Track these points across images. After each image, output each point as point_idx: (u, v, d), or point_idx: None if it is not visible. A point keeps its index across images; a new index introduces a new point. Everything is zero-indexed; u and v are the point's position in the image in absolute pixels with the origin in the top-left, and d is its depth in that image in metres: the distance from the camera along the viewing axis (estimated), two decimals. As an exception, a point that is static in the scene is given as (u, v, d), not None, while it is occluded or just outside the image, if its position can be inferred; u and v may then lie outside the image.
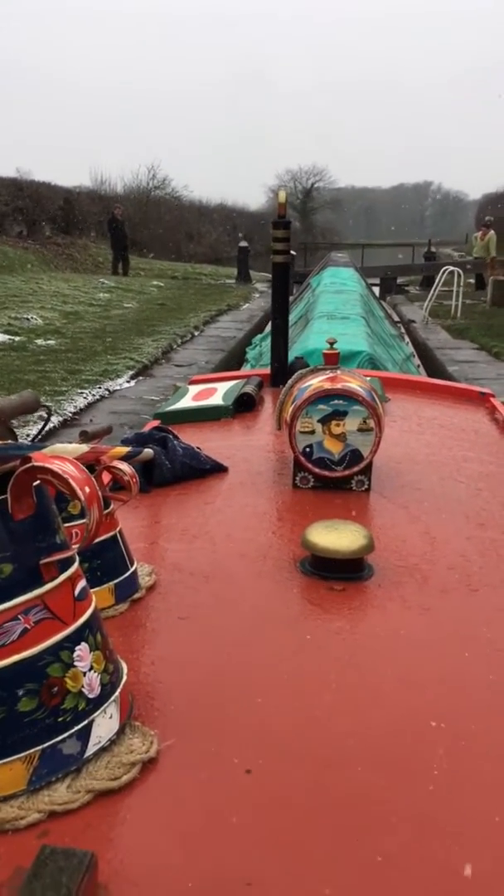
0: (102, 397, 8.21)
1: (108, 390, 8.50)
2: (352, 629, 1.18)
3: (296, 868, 0.73)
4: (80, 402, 7.83)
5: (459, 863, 0.75)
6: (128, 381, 9.06)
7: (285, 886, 0.71)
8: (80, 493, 0.84)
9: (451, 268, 15.42)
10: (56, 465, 0.84)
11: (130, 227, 25.00)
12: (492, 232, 18.96)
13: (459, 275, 14.86)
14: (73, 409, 7.52)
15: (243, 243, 23.59)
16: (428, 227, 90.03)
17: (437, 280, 15.21)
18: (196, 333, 13.02)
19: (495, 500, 1.78)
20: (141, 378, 9.36)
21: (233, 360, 10.64)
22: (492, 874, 0.73)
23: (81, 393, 8.14)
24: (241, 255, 23.37)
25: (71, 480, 0.84)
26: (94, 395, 8.15)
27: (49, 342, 10.95)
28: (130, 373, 9.36)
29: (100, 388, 8.47)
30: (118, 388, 8.72)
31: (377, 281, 19.48)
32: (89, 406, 7.80)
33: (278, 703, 0.99)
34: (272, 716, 0.96)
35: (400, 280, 21.97)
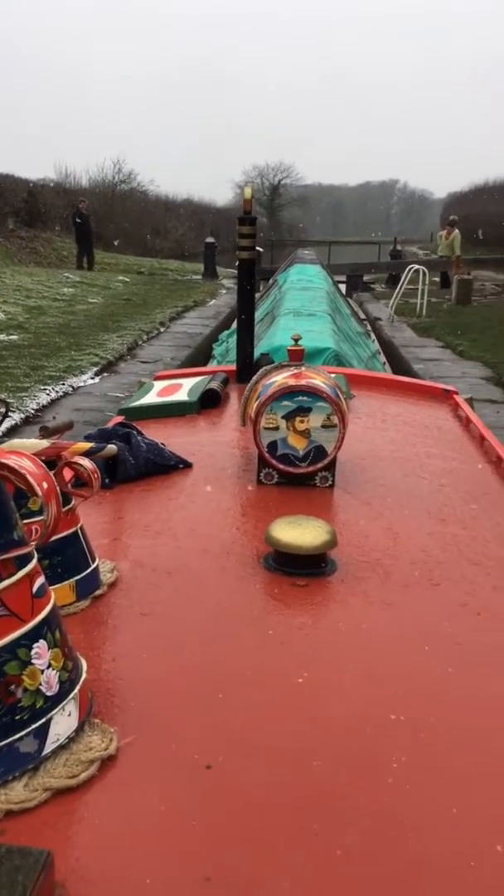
0: (66, 394, 8.08)
1: (72, 387, 8.36)
2: (314, 624, 1.19)
3: (255, 863, 0.73)
4: (43, 398, 7.68)
5: (418, 855, 0.75)
6: (92, 378, 8.92)
7: (244, 881, 0.71)
8: (37, 488, 0.83)
9: (417, 266, 15.52)
10: (13, 461, 0.83)
11: (96, 221, 24.74)
12: (456, 231, 19.19)
13: (425, 273, 14.96)
14: (35, 406, 7.36)
15: (210, 239, 23.52)
16: (394, 224, 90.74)
17: (402, 278, 15.33)
18: (162, 329, 12.90)
19: (457, 495, 1.81)
20: (105, 375, 9.24)
21: (199, 356, 10.58)
22: (450, 866, 0.75)
23: (44, 389, 7.98)
24: (208, 250, 23.30)
25: (28, 476, 0.83)
26: (57, 392, 8.00)
27: (11, 337, 10.76)
28: (95, 369, 9.22)
29: (63, 384, 8.33)
30: (82, 384, 8.58)
31: (343, 278, 19.58)
32: (52, 403, 7.66)
33: (240, 698, 0.99)
34: (233, 711, 0.96)
35: (366, 278, 22.12)
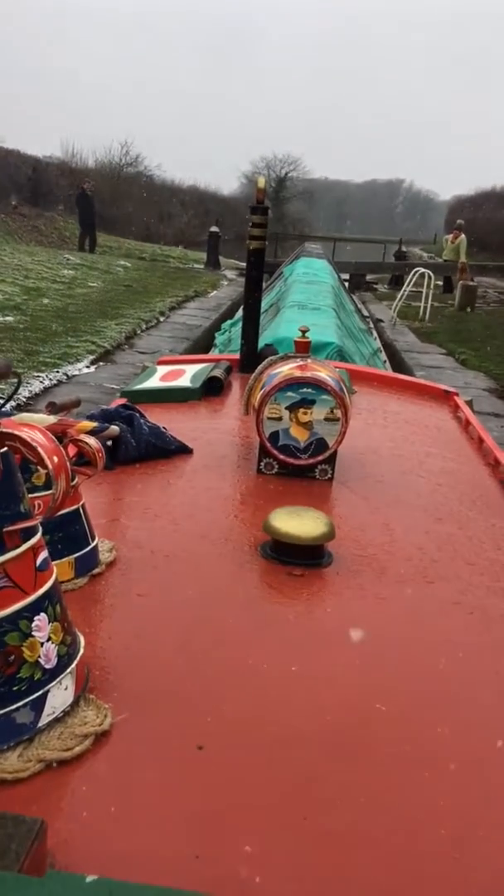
0: (60, 382, 7.78)
1: (67, 375, 8.07)
2: (308, 614, 1.20)
3: (243, 843, 0.74)
4: (36, 386, 7.38)
5: (402, 845, 0.76)
6: (87, 367, 8.63)
7: (232, 861, 0.72)
8: (48, 462, 0.83)
9: (423, 270, 15.31)
10: (26, 434, 0.83)
11: (100, 202, 24.54)
12: (462, 236, 19.09)
13: (430, 277, 14.66)
14: (27, 394, 7.08)
15: (214, 228, 23.32)
16: (397, 224, 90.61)
17: (407, 281, 15.17)
18: (161, 319, 12.66)
19: (454, 495, 1.82)
20: (101, 364, 8.95)
21: (197, 349, 10.42)
22: (434, 858, 0.76)
23: (38, 376, 7.67)
24: (212, 240, 23.09)
25: (40, 449, 0.83)
26: (50, 380, 7.69)
27: (7, 318, 10.46)
28: (91, 357, 8.93)
29: (58, 372, 8.03)
30: (77, 373, 8.29)
31: (347, 276, 19.46)
32: (45, 391, 7.36)
33: (232, 682, 1.00)
34: (225, 694, 0.97)
35: (369, 277, 21.99)
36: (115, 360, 9.30)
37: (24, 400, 6.98)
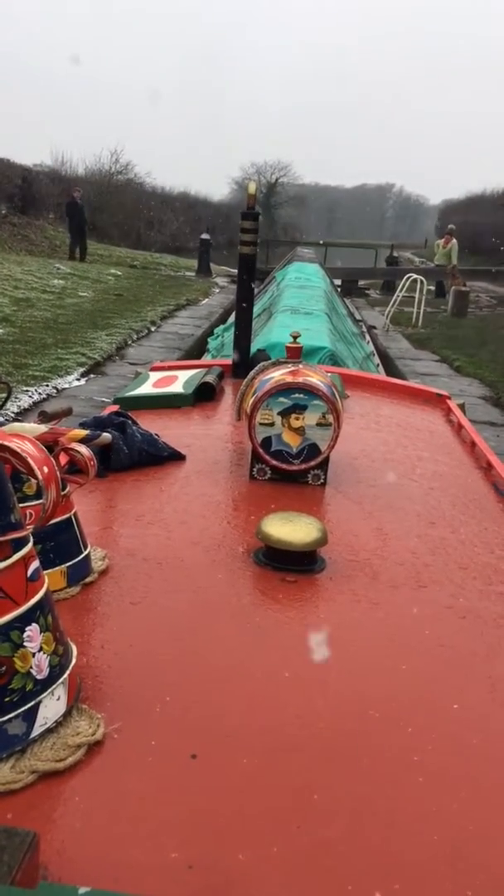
0: (49, 396, 7.66)
1: (56, 388, 7.96)
2: (301, 620, 1.20)
3: (237, 853, 0.74)
4: (25, 401, 7.26)
5: (395, 852, 0.76)
6: (77, 379, 8.51)
7: (226, 870, 0.72)
8: (38, 472, 0.83)
9: (415, 275, 15.21)
10: (15, 444, 0.83)
11: (90, 211, 24.51)
12: (454, 240, 19.15)
13: (422, 283, 14.66)
14: (16, 409, 6.93)
15: (205, 235, 23.33)
16: (388, 228, 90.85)
17: (399, 287, 15.16)
18: (153, 329, 12.55)
19: (446, 499, 1.82)
20: (92, 376, 8.85)
21: (189, 359, 10.41)
22: (427, 861, 0.75)
23: (27, 391, 7.56)
24: (203, 247, 23.10)
25: (29, 459, 0.83)
26: (39, 394, 7.59)
27: None
28: (81, 370, 8.82)
29: (47, 385, 7.92)
30: (67, 386, 8.18)
31: (338, 283, 19.44)
32: (35, 405, 7.22)
33: (226, 690, 1.00)
34: (220, 703, 0.96)
35: (361, 283, 21.99)
36: (105, 372, 9.19)
37: (13, 415, 6.86)
